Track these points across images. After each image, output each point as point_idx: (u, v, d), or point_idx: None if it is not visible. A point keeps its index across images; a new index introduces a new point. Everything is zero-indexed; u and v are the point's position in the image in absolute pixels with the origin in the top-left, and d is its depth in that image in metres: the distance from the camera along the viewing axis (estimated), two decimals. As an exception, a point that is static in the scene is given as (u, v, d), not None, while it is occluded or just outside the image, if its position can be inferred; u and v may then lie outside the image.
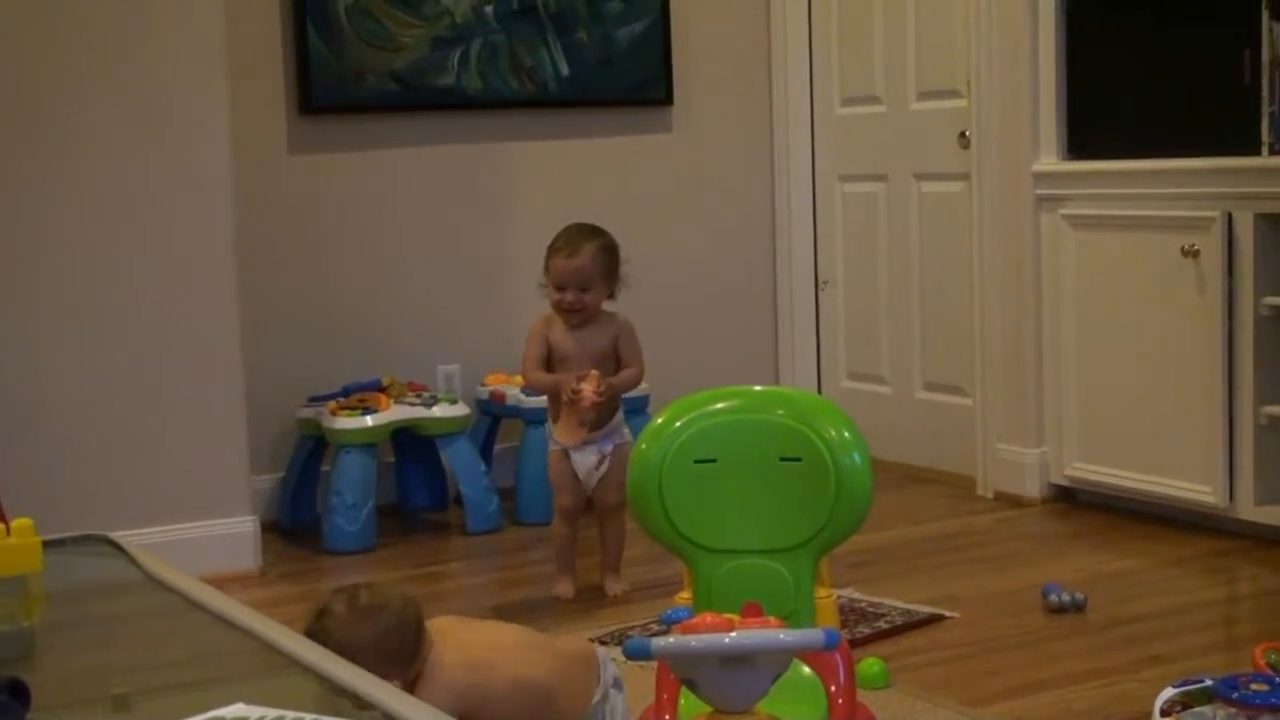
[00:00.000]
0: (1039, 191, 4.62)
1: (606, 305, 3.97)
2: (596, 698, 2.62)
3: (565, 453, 3.90)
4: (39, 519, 2.07)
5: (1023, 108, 4.64)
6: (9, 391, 4.00)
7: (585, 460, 3.90)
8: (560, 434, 3.87)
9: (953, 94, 5.00)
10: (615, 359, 3.95)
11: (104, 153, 4.07)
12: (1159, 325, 4.31)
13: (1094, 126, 4.53)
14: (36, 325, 4.03)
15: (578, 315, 3.90)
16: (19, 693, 1.42)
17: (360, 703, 1.48)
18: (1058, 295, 4.60)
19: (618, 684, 2.67)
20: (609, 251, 3.93)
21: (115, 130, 4.08)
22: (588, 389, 3.77)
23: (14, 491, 3.53)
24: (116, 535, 2.26)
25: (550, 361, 3.93)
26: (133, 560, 2.10)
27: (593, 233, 3.96)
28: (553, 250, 3.91)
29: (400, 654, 2.40)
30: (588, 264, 3.88)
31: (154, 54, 4.10)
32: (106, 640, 1.96)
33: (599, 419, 3.88)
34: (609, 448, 3.92)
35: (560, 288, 3.89)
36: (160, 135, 4.12)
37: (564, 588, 3.95)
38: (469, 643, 2.53)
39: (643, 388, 4.83)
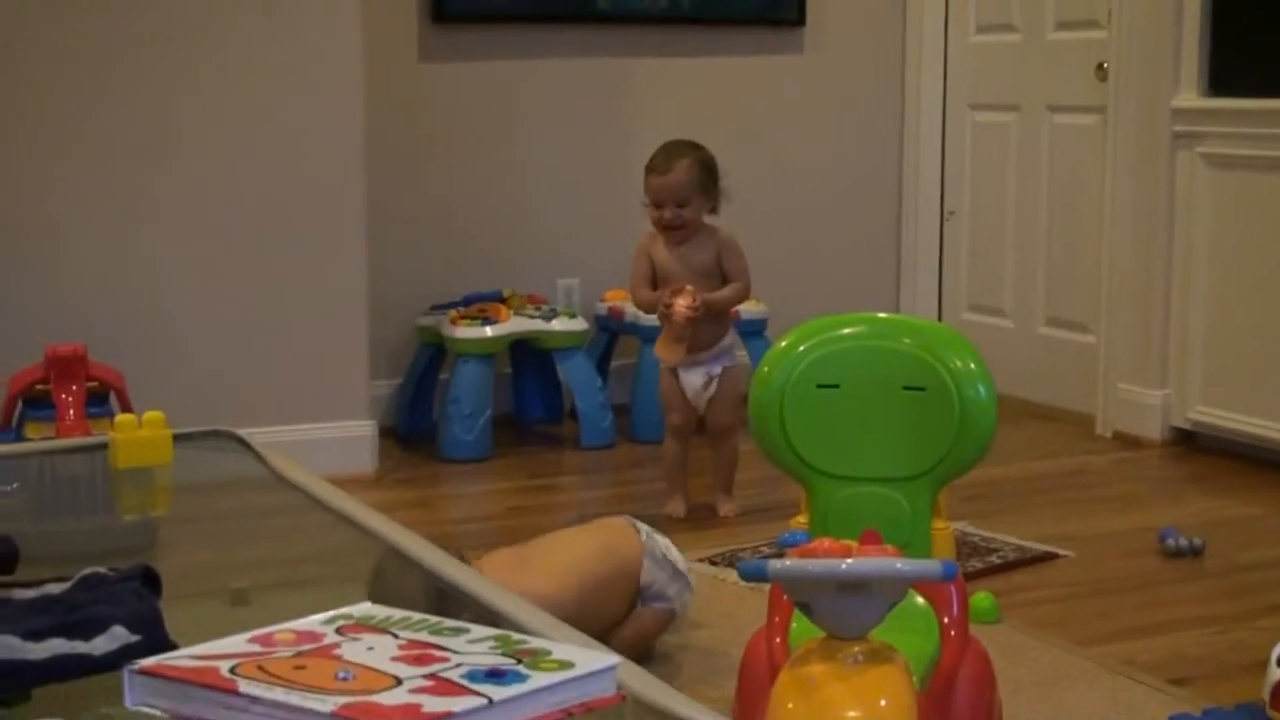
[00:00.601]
0: (1177, 128, 4.52)
1: (710, 220, 3.95)
2: (643, 537, 2.91)
3: (675, 371, 3.91)
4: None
5: (1164, 40, 4.53)
6: (138, 288, 4.07)
7: (693, 380, 3.91)
8: (659, 350, 3.86)
9: (1091, 24, 4.89)
10: (720, 274, 3.92)
11: (237, 57, 4.11)
12: (1294, 270, 4.21)
13: (1238, 62, 4.41)
14: (165, 224, 4.10)
15: (678, 232, 3.88)
16: (150, 580, 1.45)
17: (481, 608, 1.49)
18: (1190, 236, 4.51)
19: (651, 527, 2.98)
20: (704, 166, 3.90)
21: (248, 33, 4.11)
22: (681, 304, 3.74)
23: (138, 384, 3.60)
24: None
25: (655, 280, 3.92)
26: (259, 457, 2.13)
27: (688, 148, 3.93)
28: (649, 169, 3.90)
29: None
30: (682, 179, 3.85)
31: (290, -43, 4.13)
32: (231, 535, 2.00)
33: (705, 339, 3.87)
34: (717, 369, 3.92)
35: (658, 205, 3.87)
36: (294, 40, 4.15)
37: (675, 506, 3.96)
38: (518, 568, 2.71)
39: (760, 310, 4.85)
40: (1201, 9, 4.45)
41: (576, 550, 2.86)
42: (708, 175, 3.90)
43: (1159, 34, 4.55)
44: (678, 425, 3.95)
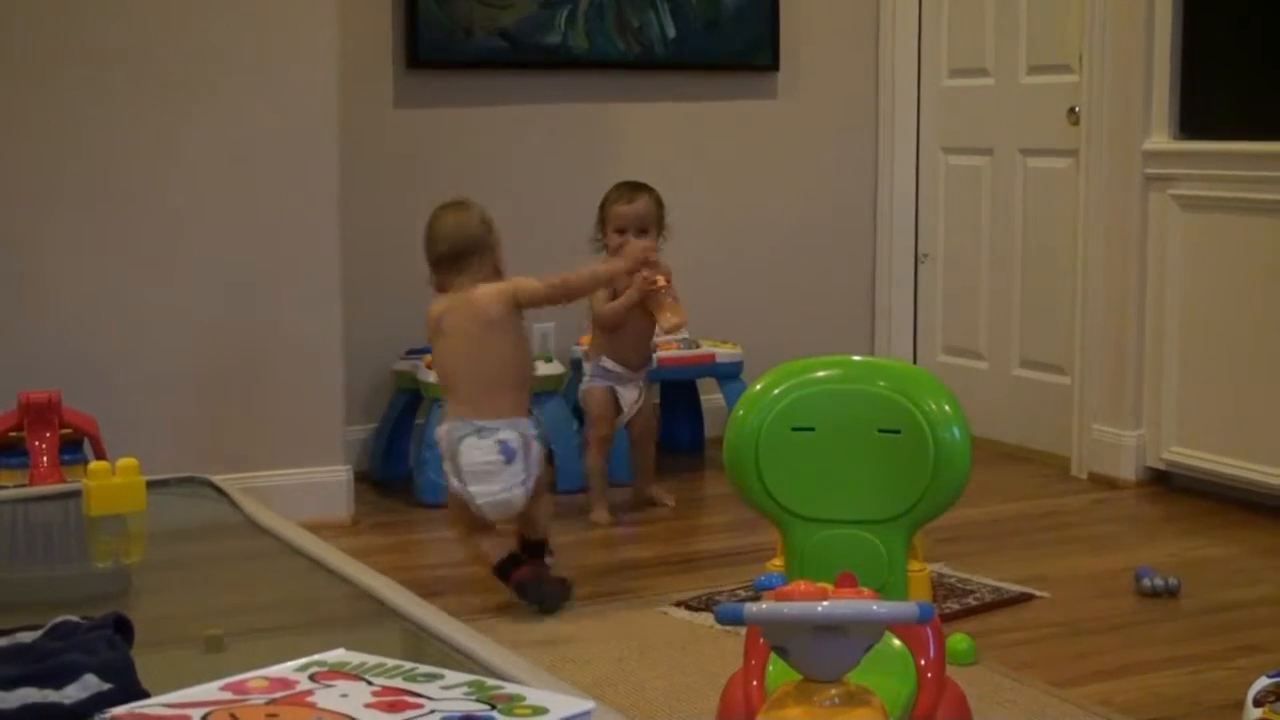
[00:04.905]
0: (1148, 171, 4.55)
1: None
2: None
3: (611, 389, 4.35)
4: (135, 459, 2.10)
5: (1135, 84, 4.57)
6: (111, 334, 4.06)
7: (629, 394, 4.37)
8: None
9: (1063, 68, 4.93)
10: None
11: (214, 103, 4.11)
12: (1266, 311, 4.23)
13: (1208, 106, 4.45)
14: (140, 270, 4.09)
15: None
16: (123, 628, 1.44)
17: (455, 651, 1.49)
18: (1163, 277, 4.53)
19: None
20: (659, 203, 4.37)
21: (224, 80, 4.11)
22: (659, 275, 4.09)
23: (112, 431, 3.59)
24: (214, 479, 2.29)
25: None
26: (233, 503, 2.12)
27: (644, 185, 4.39)
28: (610, 201, 4.36)
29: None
30: (646, 210, 4.33)
31: (264, 6, 4.13)
32: (205, 581, 1.99)
33: (642, 357, 4.39)
34: (643, 384, 4.42)
35: (621, 231, 4.31)
36: (268, 86, 4.15)
37: (602, 514, 4.31)
38: None
39: (736, 353, 4.92)
40: (1171, 53, 4.49)
41: None
42: (661, 211, 4.38)
43: (1130, 78, 4.58)
44: (606, 437, 4.38)
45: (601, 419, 4.36)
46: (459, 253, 3.52)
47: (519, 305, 3.52)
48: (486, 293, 3.49)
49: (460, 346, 3.46)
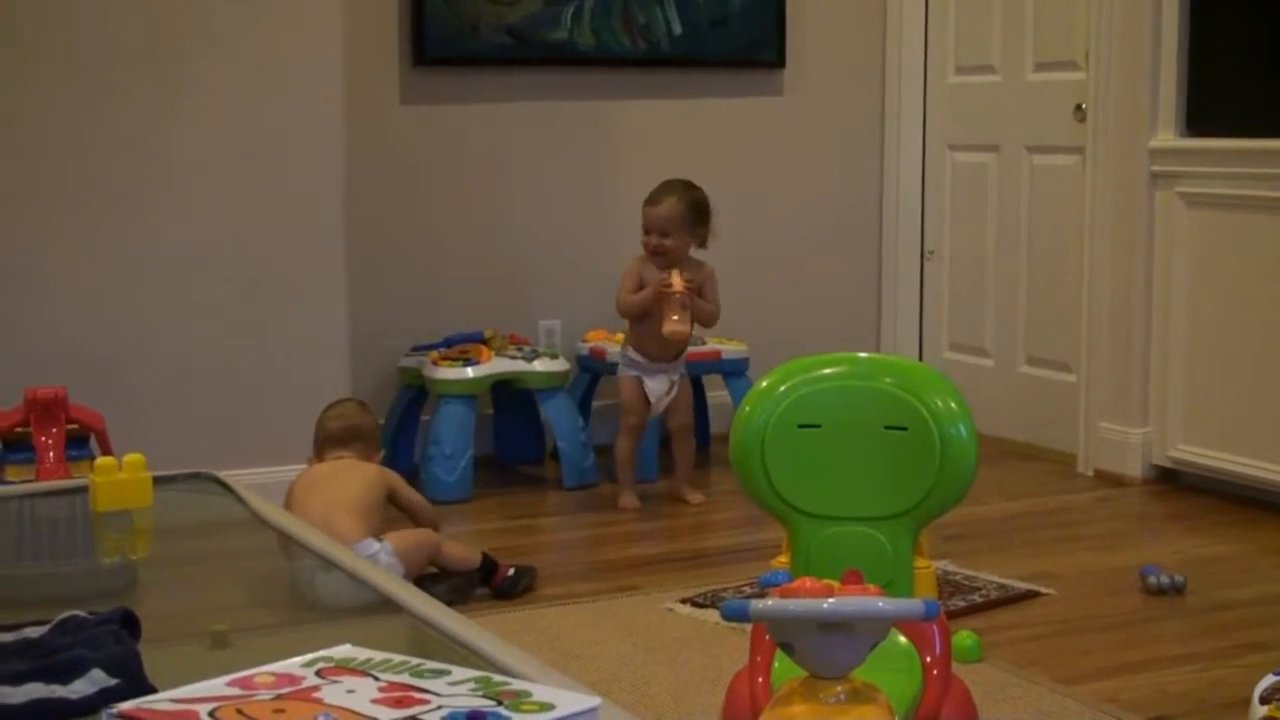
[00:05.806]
0: (1154, 168, 4.55)
1: (698, 253, 4.43)
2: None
3: (639, 379, 4.42)
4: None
5: (1141, 82, 4.56)
6: (118, 330, 4.06)
7: (658, 386, 4.43)
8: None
9: (1070, 65, 4.93)
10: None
11: (219, 100, 4.11)
12: (1272, 308, 4.23)
13: (1214, 103, 4.44)
14: (146, 267, 4.09)
15: (661, 258, 4.36)
16: (130, 624, 1.44)
17: (462, 647, 1.49)
18: (1169, 274, 4.53)
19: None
20: (691, 204, 4.38)
21: (230, 77, 4.11)
22: (675, 279, 4.25)
23: (118, 427, 3.59)
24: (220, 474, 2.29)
25: None
26: (240, 499, 2.12)
27: (681, 186, 4.41)
28: (645, 200, 4.41)
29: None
30: (667, 213, 4.35)
31: (269, 3, 4.13)
32: (211, 577, 1.99)
33: (673, 354, 4.41)
34: (676, 377, 4.46)
35: (647, 232, 4.38)
36: (274, 83, 4.15)
37: (630, 499, 4.40)
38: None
39: (742, 350, 4.91)
40: (1178, 50, 4.48)
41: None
42: (694, 213, 4.38)
43: (1136, 75, 4.58)
44: (635, 426, 4.44)
45: (631, 408, 4.43)
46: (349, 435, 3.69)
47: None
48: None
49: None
